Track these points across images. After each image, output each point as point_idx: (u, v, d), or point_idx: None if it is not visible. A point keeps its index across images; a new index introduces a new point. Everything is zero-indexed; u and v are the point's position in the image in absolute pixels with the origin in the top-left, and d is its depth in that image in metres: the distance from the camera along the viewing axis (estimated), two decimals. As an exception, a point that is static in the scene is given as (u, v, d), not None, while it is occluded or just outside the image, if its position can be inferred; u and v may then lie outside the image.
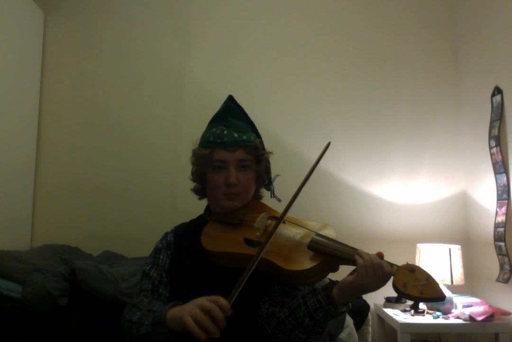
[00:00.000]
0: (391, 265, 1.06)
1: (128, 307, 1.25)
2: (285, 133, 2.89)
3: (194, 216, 1.45)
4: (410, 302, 1.08)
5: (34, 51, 2.82)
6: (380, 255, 1.08)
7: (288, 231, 1.22)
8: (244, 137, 1.31)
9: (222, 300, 1.00)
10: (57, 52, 2.93)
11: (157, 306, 1.15)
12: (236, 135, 1.30)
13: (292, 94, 2.94)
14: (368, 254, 1.07)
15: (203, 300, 1.02)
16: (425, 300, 1.01)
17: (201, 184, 1.38)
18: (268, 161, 1.40)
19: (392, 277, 1.04)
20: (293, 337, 1.11)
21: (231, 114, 1.36)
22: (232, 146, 1.29)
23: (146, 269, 1.31)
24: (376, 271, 1.03)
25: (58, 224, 2.79)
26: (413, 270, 1.04)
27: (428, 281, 1.01)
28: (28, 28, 2.75)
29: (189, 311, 1.01)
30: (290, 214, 1.22)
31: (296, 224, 1.25)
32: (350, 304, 1.10)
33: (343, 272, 1.15)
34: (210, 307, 0.99)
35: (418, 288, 1.00)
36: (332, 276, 1.14)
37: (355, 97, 2.94)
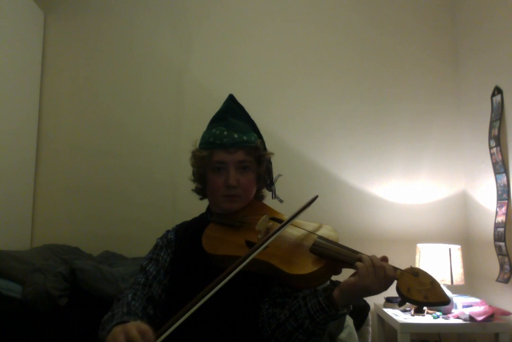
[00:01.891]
0: (395, 269, 1.05)
1: (115, 300, 1.24)
2: (285, 133, 2.89)
3: (194, 216, 1.45)
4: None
5: (34, 51, 2.82)
6: (384, 259, 1.07)
7: (290, 233, 1.20)
8: (244, 138, 1.29)
9: (149, 334, 0.94)
10: (57, 52, 2.93)
11: (117, 315, 1.11)
12: (236, 136, 1.28)
13: (292, 94, 2.94)
14: (369, 256, 1.06)
15: (132, 328, 0.96)
16: (429, 305, 1.00)
17: (202, 184, 1.37)
18: (269, 162, 1.38)
19: (396, 281, 1.03)
20: (294, 338, 1.10)
21: (231, 114, 1.34)
22: (232, 147, 1.27)
23: (143, 264, 1.30)
24: (377, 272, 1.02)
25: (58, 224, 2.79)
26: (417, 274, 1.02)
27: (432, 285, 1.00)
28: (28, 28, 2.75)
29: (114, 336, 0.96)
30: (290, 214, 1.21)
31: (297, 226, 1.24)
32: (351, 305, 1.09)
33: (345, 274, 1.15)
34: (133, 337, 0.93)
35: (423, 292, 0.99)
36: (334, 278, 1.14)
37: (355, 97, 2.94)
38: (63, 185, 2.83)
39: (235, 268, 1.03)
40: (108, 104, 2.91)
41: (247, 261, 1.06)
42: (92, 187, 2.82)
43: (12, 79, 2.54)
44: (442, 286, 1.02)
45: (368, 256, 1.06)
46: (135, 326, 0.96)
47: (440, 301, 0.99)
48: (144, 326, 0.96)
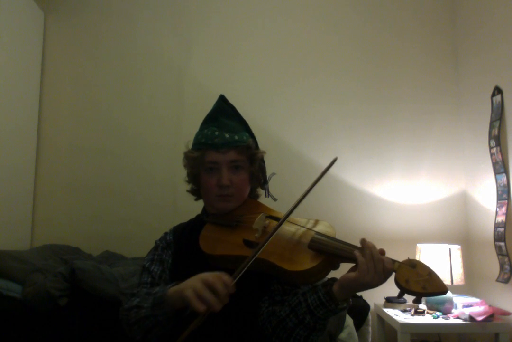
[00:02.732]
0: (393, 261, 1.05)
1: (126, 296, 1.24)
2: (284, 133, 2.89)
3: (194, 216, 1.45)
4: (411, 301, 1.08)
5: (34, 51, 2.82)
6: (381, 252, 1.08)
7: (287, 230, 1.21)
8: (236, 137, 1.29)
9: (226, 277, 1.01)
10: (57, 52, 2.93)
11: (157, 289, 1.14)
12: (227, 136, 1.29)
13: (292, 94, 2.94)
14: (368, 248, 1.06)
15: (206, 275, 1.03)
16: (428, 295, 1.01)
17: (196, 185, 1.38)
18: (262, 161, 1.39)
19: (394, 274, 1.04)
20: (295, 334, 1.11)
21: (223, 114, 1.34)
22: (223, 147, 1.27)
23: (146, 265, 1.31)
24: (376, 266, 1.03)
25: (58, 224, 2.79)
26: (414, 265, 1.03)
27: (430, 276, 1.01)
28: (28, 28, 2.75)
29: (190, 285, 1.02)
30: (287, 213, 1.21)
31: (293, 222, 1.25)
32: (350, 300, 1.10)
33: (343, 269, 1.15)
34: (212, 281, 1.00)
35: (421, 283, 1.00)
36: (332, 274, 1.14)
37: (355, 97, 2.94)
38: (63, 185, 2.83)
39: (265, 242, 1.09)
40: (108, 104, 2.91)
41: (269, 240, 1.10)
42: (92, 187, 2.82)
43: (12, 79, 2.54)
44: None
45: (367, 250, 1.06)
46: (207, 273, 1.04)
47: (438, 291, 1.00)
48: (216, 272, 1.03)
